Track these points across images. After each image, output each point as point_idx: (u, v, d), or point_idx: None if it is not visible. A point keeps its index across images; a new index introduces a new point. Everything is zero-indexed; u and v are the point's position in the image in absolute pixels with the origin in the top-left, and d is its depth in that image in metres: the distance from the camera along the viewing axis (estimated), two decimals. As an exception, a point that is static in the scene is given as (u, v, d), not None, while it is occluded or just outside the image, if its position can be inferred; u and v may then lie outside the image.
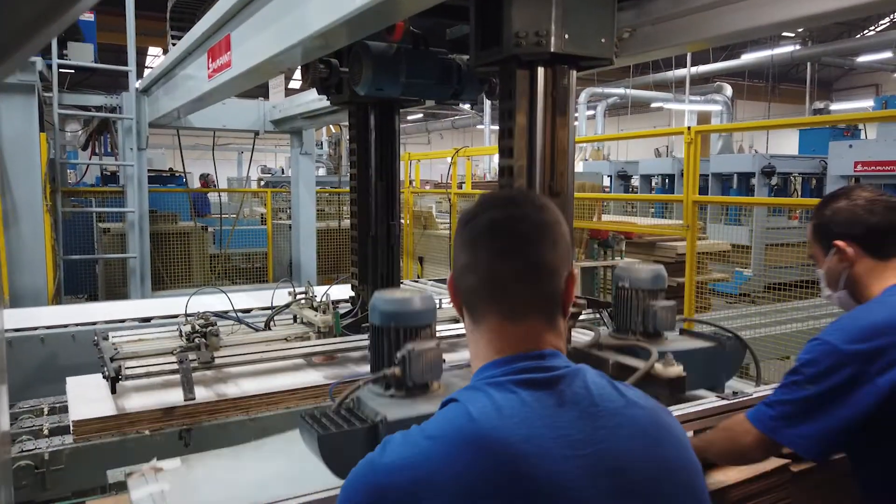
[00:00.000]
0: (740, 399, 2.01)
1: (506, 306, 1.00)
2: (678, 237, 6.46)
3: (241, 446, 2.24)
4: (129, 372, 2.69)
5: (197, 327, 2.86)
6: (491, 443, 0.87)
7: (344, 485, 0.96)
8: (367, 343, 2.92)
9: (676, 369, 1.91)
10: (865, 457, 1.59)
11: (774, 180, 10.93)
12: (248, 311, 4.56)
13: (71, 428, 2.64)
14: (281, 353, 3.11)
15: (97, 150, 7.60)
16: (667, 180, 13.37)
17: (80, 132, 7.39)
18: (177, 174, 9.78)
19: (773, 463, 1.84)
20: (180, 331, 2.96)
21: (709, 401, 2.03)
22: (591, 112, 17.98)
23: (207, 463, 2.02)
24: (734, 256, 9.18)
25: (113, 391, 2.54)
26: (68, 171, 8.72)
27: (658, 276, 2.20)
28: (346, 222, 9.13)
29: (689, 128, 4.39)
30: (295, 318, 3.54)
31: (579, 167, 9.14)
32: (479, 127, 23.92)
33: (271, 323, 3.39)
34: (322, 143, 15.34)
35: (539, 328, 1.00)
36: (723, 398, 2.02)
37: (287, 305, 3.47)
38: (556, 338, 1.00)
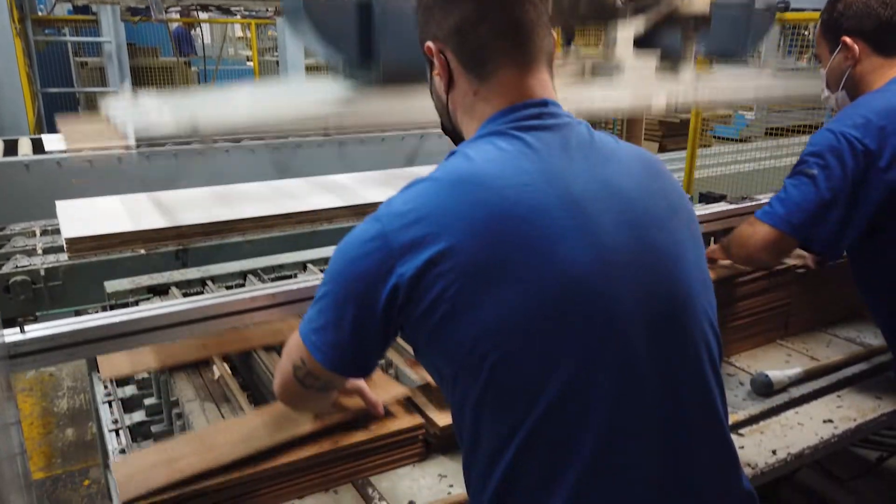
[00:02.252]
0: (748, 204, 1.96)
1: (524, 54, 0.92)
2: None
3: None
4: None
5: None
6: (492, 179, 0.83)
7: (341, 244, 0.90)
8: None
9: (702, 3, 1.74)
10: (865, 254, 1.58)
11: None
12: (238, 140, 4.43)
13: (65, 246, 2.62)
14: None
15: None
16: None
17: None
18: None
19: (780, 265, 1.83)
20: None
21: (718, 205, 1.99)
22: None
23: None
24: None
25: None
26: (37, 4, 8.13)
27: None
28: None
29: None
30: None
31: None
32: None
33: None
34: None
35: (546, 79, 0.95)
36: (732, 203, 1.97)
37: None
38: (553, 91, 0.95)
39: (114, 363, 1.62)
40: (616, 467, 0.82)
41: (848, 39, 1.56)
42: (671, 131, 6.87)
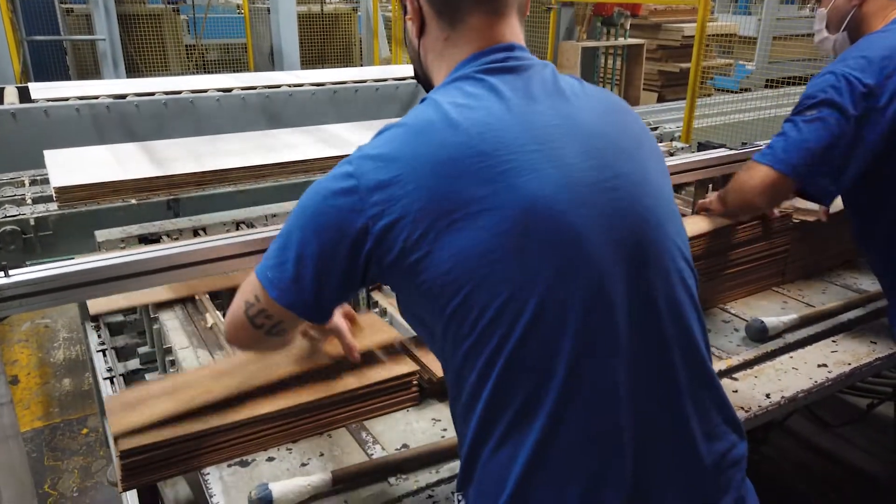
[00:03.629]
0: (747, 150, 1.92)
1: (494, 1, 0.92)
2: (685, 17, 6.05)
3: None
4: None
5: None
6: (457, 121, 0.84)
7: (312, 185, 0.89)
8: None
9: None
10: (864, 205, 1.57)
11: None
12: (229, 90, 4.34)
13: (53, 195, 2.58)
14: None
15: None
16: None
17: None
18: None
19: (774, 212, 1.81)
20: None
21: (716, 151, 1.96)
22: None
23: None
24: (738, 50, 8.74)
25: None
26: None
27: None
28: (330, 6, 8.54)
29: None
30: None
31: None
32: None
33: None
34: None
35: (516, 25, 0.95)
36: (731, 148, 1.94)
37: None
38: (521, 37, 0.96)
39: (102, 301, 1.61)
40: (592, 388, 0.82)
41: None
42: (670, 81, 6.76)
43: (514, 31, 0.94)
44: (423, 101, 0.91)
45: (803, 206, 1.87)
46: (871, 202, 1.54)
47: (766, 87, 7.36)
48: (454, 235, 0.79)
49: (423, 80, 1.02)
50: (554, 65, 0.96)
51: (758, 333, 1.57)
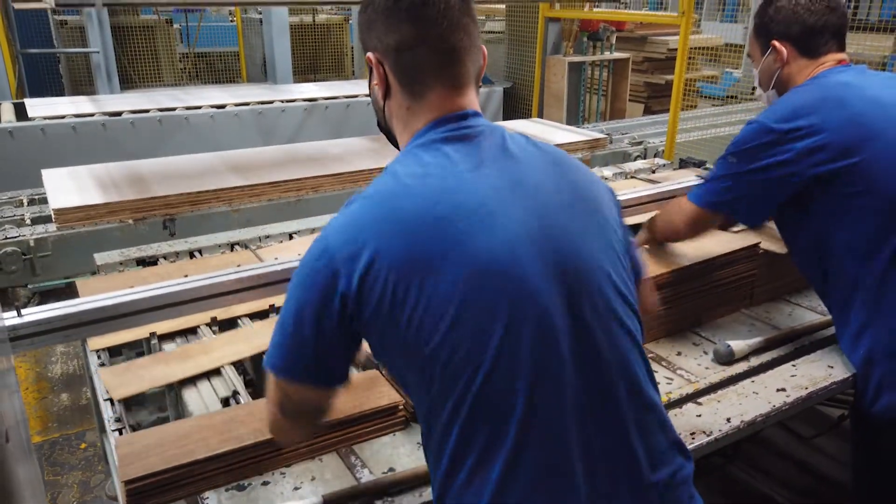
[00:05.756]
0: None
1: (454, 77, 1.03)
2: (671, 31, 6.16)
3: None
4: None
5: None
6: (415, 189, 0.95)
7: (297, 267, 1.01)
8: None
9: None
10: (794, 228, 1.71)
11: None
12: (222, 106, 4.42)
13: (52, 216, 2.65)
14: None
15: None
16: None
17: None
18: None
19: (750, 240, 1.93)
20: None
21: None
22: None
23: None
24: (726, 57, 8.86)
25: None
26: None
27: None
28: (322, 17, 8.60)
29: None
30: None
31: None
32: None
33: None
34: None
35: (472, 95, 1.06)
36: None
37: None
38: (476, 104, 1.07)
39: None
40: (546, 422, 0.92)
41: (776, 43, 1.68)
42: (657, 92, 6.88)
43: (469, 99, 1.05)
44: (383, 172, 1.02)
45: (771, 236, 1.99)
46: (797, 228, 1.69)
47: (753, 91, 7.51)
48: (420, 293, 0.90)
49: (386, 133, 1.14)
50: (504, 128, 1.07)
51: (725, 357, 1.67)
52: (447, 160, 0.98)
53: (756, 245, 1.93)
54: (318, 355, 0.97)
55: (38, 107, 4.08)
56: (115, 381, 1.50)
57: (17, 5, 2.40)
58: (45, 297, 3.70)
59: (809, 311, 1.96)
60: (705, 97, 8.20)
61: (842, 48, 1.68)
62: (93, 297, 1.30)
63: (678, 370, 1.65)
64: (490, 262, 0.91)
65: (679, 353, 1.74)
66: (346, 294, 0.92)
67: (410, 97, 1.03)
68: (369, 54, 1.06)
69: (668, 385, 1.59)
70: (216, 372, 1.60)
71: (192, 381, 1.58)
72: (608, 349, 0.97)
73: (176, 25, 7.88)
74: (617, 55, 5.82)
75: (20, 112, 4.03)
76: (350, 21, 8.32)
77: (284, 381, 1.00)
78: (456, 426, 0.92)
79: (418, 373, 0.93)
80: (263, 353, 1.56)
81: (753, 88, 1.90)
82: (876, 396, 1.55)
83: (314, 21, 8.01)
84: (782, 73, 1.70)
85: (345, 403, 1.36)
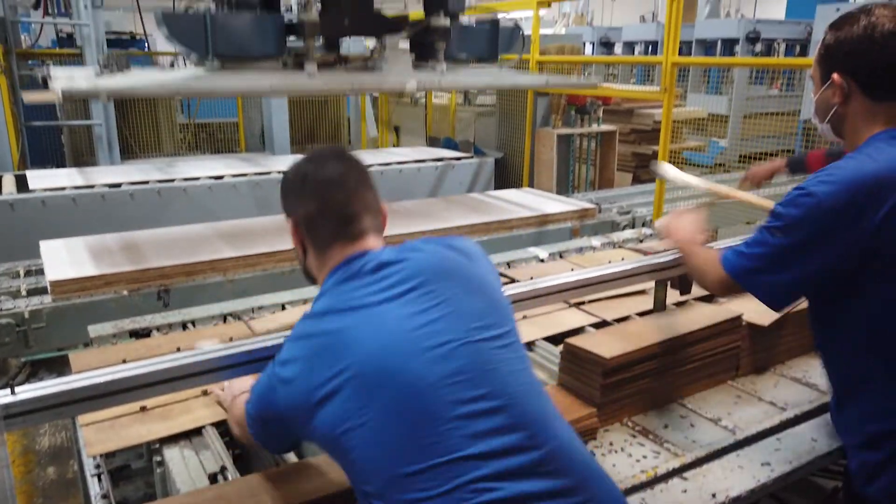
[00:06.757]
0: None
1: (351, 235, 1.33)
2: (657, 104, 6.37)
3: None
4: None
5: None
6: (329, 327, 1.21)
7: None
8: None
9: (443, 21, 2.75)
10: (825, 304, 1.56)
11: (758, 47, 10.68)
12: (220, 177, 4.52)
13: (49, 288, 2.68)
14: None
15: (49, 11, 7.11)
16: (650, 47, 13.02)
17: (28, -11, 6.87)
18: (138, 38, 9.26)
19: (731, 313, 1.97)
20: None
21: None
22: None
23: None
24: (712, 127, 9.14)
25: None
26: (21, 35, 8.19)
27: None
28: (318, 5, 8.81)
29: (672, -15, 4.20)
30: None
31: (560, 31, 8.79)
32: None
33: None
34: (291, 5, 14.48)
35: (370, 242, 1.34)
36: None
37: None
38: (374, 244, 1.35)
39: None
40: None
41: (837, 77, 1.47)
42: (644, 162, 7.06)
43: (367, 244, 1.32)
44: (304, 316, 1.28)
45: (754, 309, 2.03)
46: (834, 318, 1.54)
47: (740, 159, 7.71)
48: (325, 408, 1.15)
49: (308, 277, 1.44)
50: (389, 247, 1.33)
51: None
52: (357, 290, 1.25)
53: (738, 317, 1.97)
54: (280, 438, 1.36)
55: (39, 178, 4.17)
56: (94, 438, 1.56)
57: (27, 97, 2.59)
58: (36, 366, 3.70)
59: (795, 382, 1.99)
60: (694, 165, 8.42)
61: None
62: (85, 374, 1.31)
63: (665, 443, 1.67)
64: (382, 364, 1.16)
65: (666, 426, 1.75)
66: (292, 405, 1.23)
67: (318, 253, 1.36)
68: (289, 219, 1.39)
69: (654, 459, 1.60)
70: (198, 432, 1.64)
71: (174, 442, 1.62)
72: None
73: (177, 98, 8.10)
74: (604, 128, 6.01)
75: (21, 183, 4.12)
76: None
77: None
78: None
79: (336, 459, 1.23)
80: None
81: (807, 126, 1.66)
82: (871, 478, 1.45)
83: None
84: (841, 110, 1.50)
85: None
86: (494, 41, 3.03)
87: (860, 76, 1.45)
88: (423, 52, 2.87)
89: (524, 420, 1.13)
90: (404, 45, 2.86)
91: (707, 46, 11.16)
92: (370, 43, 3.04)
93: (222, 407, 1.69)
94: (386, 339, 1.16)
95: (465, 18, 2.98)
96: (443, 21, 2.76)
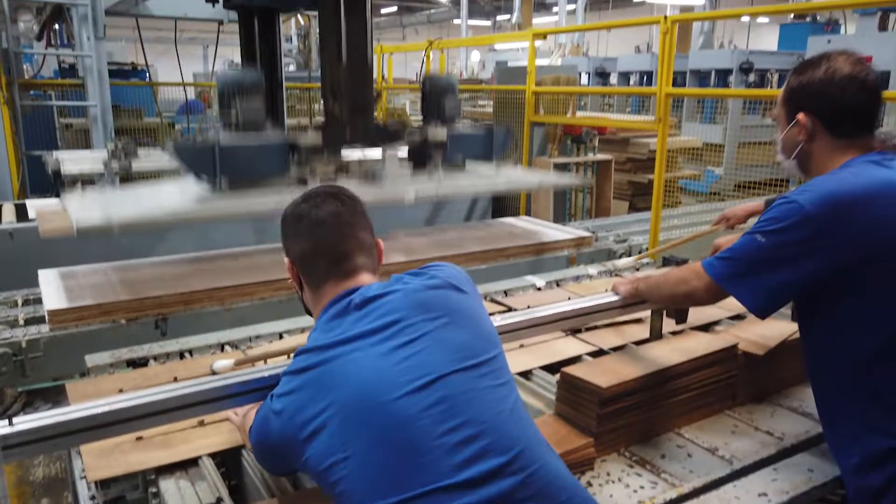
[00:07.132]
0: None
1: (345, 273, 1.39)
2: (652, 133, 6.44)
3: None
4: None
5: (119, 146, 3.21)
6: (323, 356, 1.27)
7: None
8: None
9: (441, 133, 2.98)
10: (812, 318, 1.60)
11: (752, 77, 10.83)
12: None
13: (46, 317, 2.68)
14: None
15: (52, 42, 7.22)
16: (645, 77, 13.19)
17: (32, 22, 6.99)
18: (139, 68, 9.37)
19: (727, 342, 1.98)
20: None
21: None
22: (571, 6, 17.34)
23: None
24: (707, 155, 9.22)
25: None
26: (24, 65, 8.29)
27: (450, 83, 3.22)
28: (319, 118, 8.95)
29: (665, 17, 4.29)
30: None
31: (556, 62, 8.92)
32: (455, 21, 23.01)
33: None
34: (291, 37, 14.67)
35: (363, 277, 1.40)
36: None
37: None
38: (373, 278, 1.42)
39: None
40: None
41: (802, 117, 1.57)
42: (640, 190, 7.11)
43: (359, 281, 1.38)
44: (297, 350, 1.34)
45: (749, 339, 2.04)
46: (823, 336, 1.58)
47: (735, 188, 7.76)
48: (313, 443, 1.19)
49: (308, 312, 1.50)
50: (378, 282, 1.39)
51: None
52: (332, 333, 1.30)
53: (734, 346, 1.98)
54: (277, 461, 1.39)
55: (39, 208, 4.18)
56: (94, 463, 1.57)
57: (42, 228, 2.79)
58: (32, 395, 3.67)
59: (792, 412, 1.99)
60: (690, 193, 8.48)
61: (871, 132, 1.58)
62: (83, 405, 1.32)
63: (662, 473, 1.66)
64: (375, 400, 1.20)
65: (663, 456, 1.75)
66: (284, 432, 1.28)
67: (314, 290, 1.42)
68: (286, 258, 1.46)
69: (651, 489, 1.60)
70: (194, 463, 1.64)
71: (170, 472, 1.62)
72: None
73: (178, 126, 8.19)
74: (600, 157, 6.07)
75: (21, 212, 4.13)
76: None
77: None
78: None
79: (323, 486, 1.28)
80: (241, 446, 1.63)
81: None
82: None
83: (311, 123, 8.33)
84: (807, 147, 1.60)
85: None
86: (489, 145, 3.27)
87: (824, 116, 1.56)
88: (421, 160, 3.07)
89: (505, 444, 1.15)
90: (403, 152, 3.07)
91: (701, 76, 11.31)
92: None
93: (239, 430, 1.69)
94: (367, 375, 1.20)
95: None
96: (440, 135, 2.99)
